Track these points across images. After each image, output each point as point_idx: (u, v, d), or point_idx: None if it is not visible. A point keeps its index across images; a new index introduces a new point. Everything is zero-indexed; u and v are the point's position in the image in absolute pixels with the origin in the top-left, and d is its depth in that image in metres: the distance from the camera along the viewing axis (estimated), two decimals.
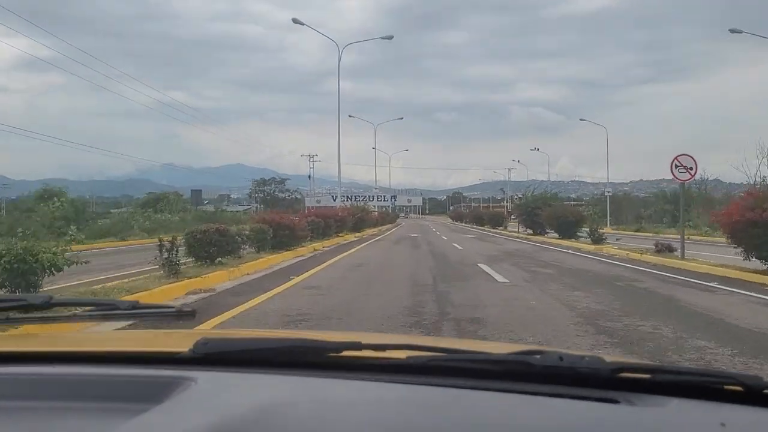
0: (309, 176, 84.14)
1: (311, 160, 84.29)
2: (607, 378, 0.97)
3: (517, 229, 40.11)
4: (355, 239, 30.63)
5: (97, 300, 1.99)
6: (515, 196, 38.55)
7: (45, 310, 1.32)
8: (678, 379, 0.99)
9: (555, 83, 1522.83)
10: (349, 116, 54.09)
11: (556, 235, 28.69)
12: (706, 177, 46.86)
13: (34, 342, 1.57)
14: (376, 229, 42.90)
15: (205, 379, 1.02)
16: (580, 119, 63.04)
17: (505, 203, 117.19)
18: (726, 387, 0.97)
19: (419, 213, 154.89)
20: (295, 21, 34.18)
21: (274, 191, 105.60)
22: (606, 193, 53.68)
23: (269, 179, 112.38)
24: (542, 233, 33.78)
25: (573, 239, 26.98)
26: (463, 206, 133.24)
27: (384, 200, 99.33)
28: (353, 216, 35.81)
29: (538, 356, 1.00)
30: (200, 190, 42.85)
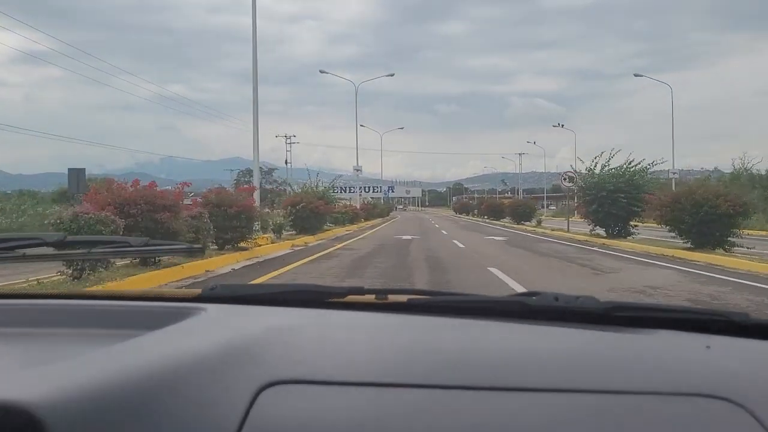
0: (286, 161, 69.40)
1: (288, 142, 69.40)
2: (601, 315, 0.98)
3: (567, 228, 25.43)
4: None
5: (110, 238, 1.86)
6: (568, 173, 21.28)
7: (60, 248, 1.33)
8: (668, 316, 1.02)
9: (555, 74, 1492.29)
10: (320, 71, 39.95)
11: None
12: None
13: (53, 287, 2.44)
14: (341, 230, 28.12)
15: (214, 309, 1.03)
16: (635, 75, 49.78)
17: (509, 193, 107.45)
18: (714, 324, 0.98)
19: (418, 205, 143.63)
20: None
21: (261, 182, 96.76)
22: (671, 176, 37.54)
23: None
24: (621, 233, 19.60)
25: (721, 250, 13.85)
26: (465, 197, 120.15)
27: (376, 191, 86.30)
28: (297, 206, 21.11)
29: (534, 297, 1.03)
30: (83, 169, 26.46)
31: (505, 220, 43.87)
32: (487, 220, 47.27)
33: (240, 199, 13.30)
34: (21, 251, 1.27)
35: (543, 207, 73.50)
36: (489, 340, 0.94)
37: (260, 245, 14.89)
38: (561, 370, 0.80)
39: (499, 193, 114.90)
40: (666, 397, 0.72)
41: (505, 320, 1.01)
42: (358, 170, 41.16)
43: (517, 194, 78.64)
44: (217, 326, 0.95)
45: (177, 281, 9.22)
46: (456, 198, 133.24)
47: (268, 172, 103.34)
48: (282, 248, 16.06)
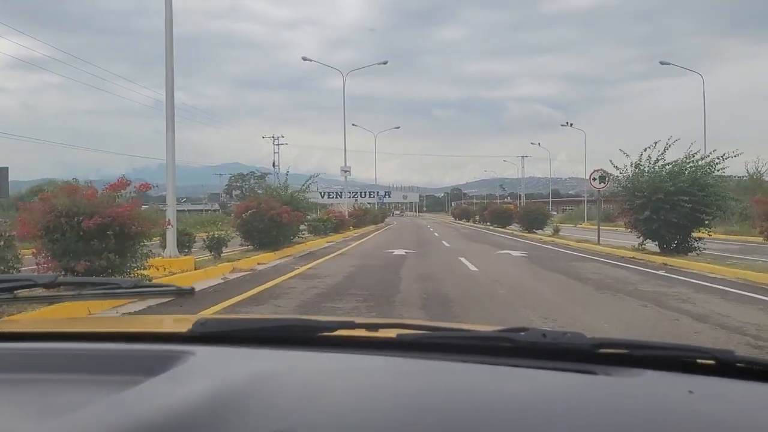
0: (273, 164, 64.32)
1: (276, 143, 64.39)
2: (588, 353, 0.98)
3: (597, 239, 20.29)
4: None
5: (100, 279, 1.95)
6: (619, 173, 15.31)
7: (50, 288, 1.32)
8: (654, 354, 1.02)
9: (552, 79, 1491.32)
10: (303, 59, 34.79)
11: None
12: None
13: (37, 324, 1.67)
14: (321, 242, 23.05)
15: (203, 352, 1.02)
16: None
17: (508, 199, 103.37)
18: (699, 361, 0.99)
19: (416, 210, 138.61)
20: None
21: (254, 187, 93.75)
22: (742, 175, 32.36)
23: (247, 174, 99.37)
24: (681, 248, 14.87)
25: None
26: (465, 202, 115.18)
27: (372, 196, 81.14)
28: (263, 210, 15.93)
29: (522, 333, 1.02)
30: (5, 168, 21.86)
31: (512, 227, 38.74)
32: (492, 228, 42.14)
33: (104, 204, 7.51)
34: (11, 293, 1.28)
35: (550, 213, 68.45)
36: (475, 386, 0.93)
37: (174, 273, 9.74)
38: (547, 419, 0.80)
39: (499, 198, 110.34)
40: None
41: (492, 359, 1.01)
42: (346, 171, 36.13)
43: (520, 199, 73.63)
44: (207, 374, 0.93)
45: None
46: (455, 203, 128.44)
47: (260, 177, 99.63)
48: (210, 277, 10.85)
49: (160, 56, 11.86)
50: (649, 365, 0.98)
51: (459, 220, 74.13)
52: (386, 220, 71.37)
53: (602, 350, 0.99)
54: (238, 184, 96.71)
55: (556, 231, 28.90)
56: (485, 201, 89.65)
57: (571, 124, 60.37)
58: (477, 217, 60.05)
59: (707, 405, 0.86)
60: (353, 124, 57.34)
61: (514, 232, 33.69)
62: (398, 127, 59.66)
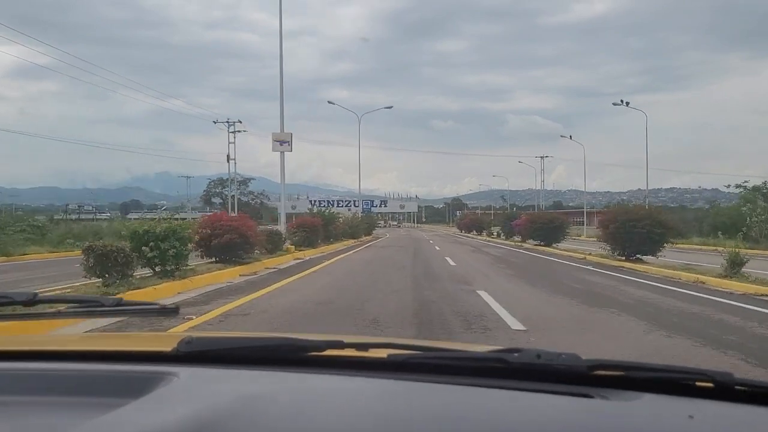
0: (228, 157, 49.39)
1: (232, 130, 49.45)
2: (583, 375, 0.95)
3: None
4: None
5: (81, 297, 1.70)
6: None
7: (29, 306, 1.27)
8: (651, 376, 0.97)
9: (551, 92, 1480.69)
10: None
11: None
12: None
13: (14, 341, 1.53)
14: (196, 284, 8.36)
15: (187, 374, 0.99)
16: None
17: (508, 210, 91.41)
18: (697, 383, 0.95)
19: (414, 221, 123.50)
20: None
21: (234, 193, 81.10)
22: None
23: (227, 179, 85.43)
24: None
25: None
26: (468, 211, 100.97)
27: (355, 205, 66.11)
28: None
29: (515, 354, 0.98)
30: None
31: (557, 245, 24.54)
32: (532, 246, 27.47)
33: None
34: None
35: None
36: (467, 410, 0.89)
37: None
38: None
39: (500, 209, 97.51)
40: None
41: (485, 380, 0.97)
42: (283, 143, 21.02)
43: (541, 208, 59.34)
44: (189, 397, 0.90)
45: None
46: (460, 213, 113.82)
47: (242, 182, 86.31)
48: None
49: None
50: (645, 388, 0.94)
51: (466, 232, 59.49)
52: (377, 231, 56.55)
53: (598, 372, 0.95)
54: (217, 190, 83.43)
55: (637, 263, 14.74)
56: (498, 210, 75.27)
57: (571, 137, 52.31)
58: (495, 232, 45.42)
59: (708, 430, 0.83)
60: (329, 102, 44.28)
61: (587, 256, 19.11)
62: (391, 107, 45.57)
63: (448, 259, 18.62)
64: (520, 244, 30.43)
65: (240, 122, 49.44)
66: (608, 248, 17.43)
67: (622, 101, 39.73)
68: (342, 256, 20.08)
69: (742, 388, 0.93)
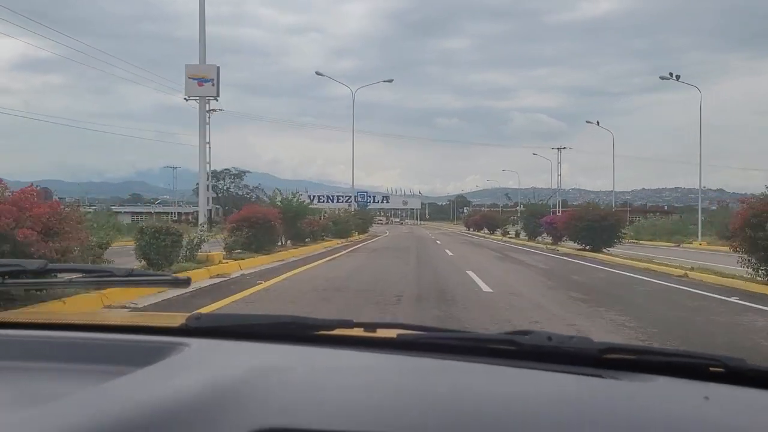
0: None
1: (209, 109, 42.26)
2: (595, 357, 0.93)
3: None
4: None
5: (93, 267, 1.81)
6: None
7: (40, 276, 1.27)
8: (665, 360, 0.96)
9: (555, 90, 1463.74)
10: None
11: None
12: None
13: (32, 315, 1.51)
14: None
15: (198, 344, 0.98)
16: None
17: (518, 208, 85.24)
18: (710, 369, 0.93)
19: (417, 218, 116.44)
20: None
21: (228, 187, 79.67)
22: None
23: (221, 171, 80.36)
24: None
25: None
26: (475, 208, 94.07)
27: (338, 201, 57.98)
28: None
29: (526, 336, 0.97)
30: None
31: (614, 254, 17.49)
32: (574, 251, 20.31)
33: None
34: (0, 279, 1.24)
35: None
36: (479, 386, 0.88)
37: None
38: (552, 421, 0.75)
39: (502, 207, 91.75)
40: None
41: (496, 361, 0.95)
42: (207, 100, 13.96)
43: (558, 207, 52.24)
44: (202, 366, 0.90)
45: None
46: (467, 209, 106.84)
47: (237, 175, 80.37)
48: None
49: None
50: (658, 371, 0.92)
51: (476, 230, 52.31)
52: (374, 229, 49.35)
53: (610, 355, 0.94)
54: (210, 183, 77.09)
55: None
56: (509, 208, 68.40)
57: (598, 122, 46.15)
58: (510, 230, 38.24)
59: (724, 412, 0.81)
60: (317, 72, 37.44)
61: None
62: (391, 80, 38.44)
63: (471, 274, 11.49)
64: (552, 247, 23.31)
65: (216, 100, 42.29)
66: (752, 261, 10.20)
67: (671, 74, 32.27)
68: (300, 269, 12.66)
69: (755, 374, 0.92)
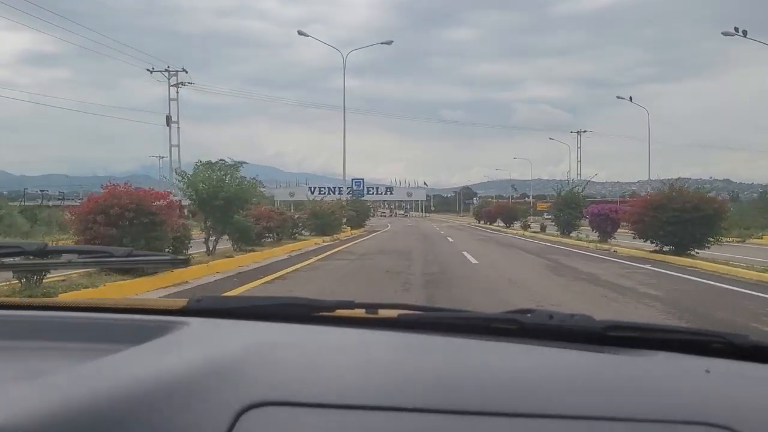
0: (168, 120, 35.77)
1: (174, 84, 35.95)
2: (597, 335, 0.93)
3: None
4: None
5: (92, 248, 1.77)
6: None
7: (40, 257, 1.27)
8: (665, 337, 0.98)
9: (562, 81, 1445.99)
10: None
11: None
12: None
13: (30, 299, 1.54)
14: None
15: (198, 323, 0.99)
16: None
17: (530, 199, 79.60)
18: (713, 345, 0.94)
19: (422, 211, 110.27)
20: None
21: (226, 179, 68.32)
22: None
23: (216, 162, 72.83)
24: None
25: None
26: (484, 201, 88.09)
27: (339, 192, 50.32)
28: None
29: (528, 315, 0.97)
30: None
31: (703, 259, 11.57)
32: (646, 254, 14.34)
33: None
34: None
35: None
36: (481, 361, 0.89)
37: None
38: (554, 394, 0.75)
39: (510, 199, 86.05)
40: (664, 424, 0.69)
41: (497, 339, 0.96)
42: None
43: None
44: (200, 343, 0.90)
45: None
46: (476, 200, 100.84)
47: (233, 166, 74.82)
48: None
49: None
50: (660, 348, 0.93)
51: (488, 223, 46.33)
52: (374, 222, 43.42)
53: (612, 333, 0.93)
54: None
55: None
56: (517, 199, 62.31)
57: (631, 98, 41.09)
58: (530, 223, 32.19)
59: (725, 385, 0.82)
60: (299, 32, 31.78)
61: None
62: (391, 42, 32.82)
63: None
64: (604, 247, 17.32)
65: (185, 71, 36.14)
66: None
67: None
68: (298, 266, 6.85)
69: (758, 350, 0.91)
